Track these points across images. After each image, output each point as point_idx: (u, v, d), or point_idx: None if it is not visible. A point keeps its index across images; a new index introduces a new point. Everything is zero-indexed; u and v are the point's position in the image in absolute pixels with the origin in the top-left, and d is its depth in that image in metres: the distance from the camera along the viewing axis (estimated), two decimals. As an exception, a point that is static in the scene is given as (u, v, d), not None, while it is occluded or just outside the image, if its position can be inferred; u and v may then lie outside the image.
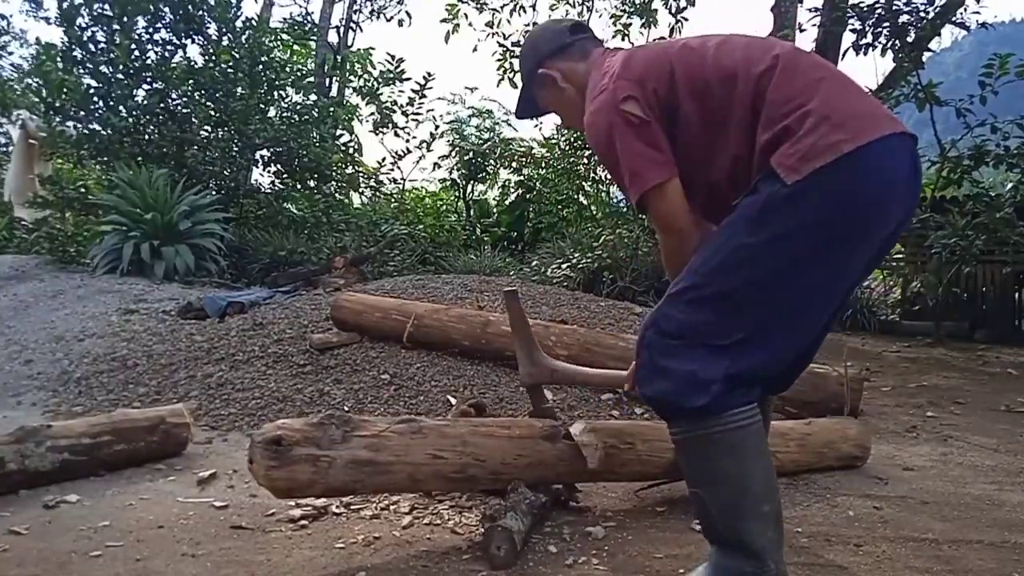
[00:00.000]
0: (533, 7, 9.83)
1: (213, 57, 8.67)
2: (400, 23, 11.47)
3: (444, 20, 9.54)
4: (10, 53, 15.46)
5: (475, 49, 9.94)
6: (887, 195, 1.41)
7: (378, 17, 13.00)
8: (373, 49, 12.58)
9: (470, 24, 9.78)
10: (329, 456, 1.72)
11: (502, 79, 9.37)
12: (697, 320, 1.44)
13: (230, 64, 8.66)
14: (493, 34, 9.67)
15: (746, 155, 1.48)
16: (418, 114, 11.01)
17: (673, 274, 1.61)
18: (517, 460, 1.98)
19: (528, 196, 10.69)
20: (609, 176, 1.75)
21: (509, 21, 10.03)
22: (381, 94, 10.99)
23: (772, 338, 1.44)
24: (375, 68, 11.95)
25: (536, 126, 10.93)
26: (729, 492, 1.44)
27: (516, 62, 9.46)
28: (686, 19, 9.05)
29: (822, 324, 1.55)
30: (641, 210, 1.61)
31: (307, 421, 1.75)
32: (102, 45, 8.17)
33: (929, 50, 7.06)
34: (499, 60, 9.40)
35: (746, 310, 1.42)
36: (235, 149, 8.79)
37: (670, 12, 9.07)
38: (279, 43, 10.52)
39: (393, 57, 10.92)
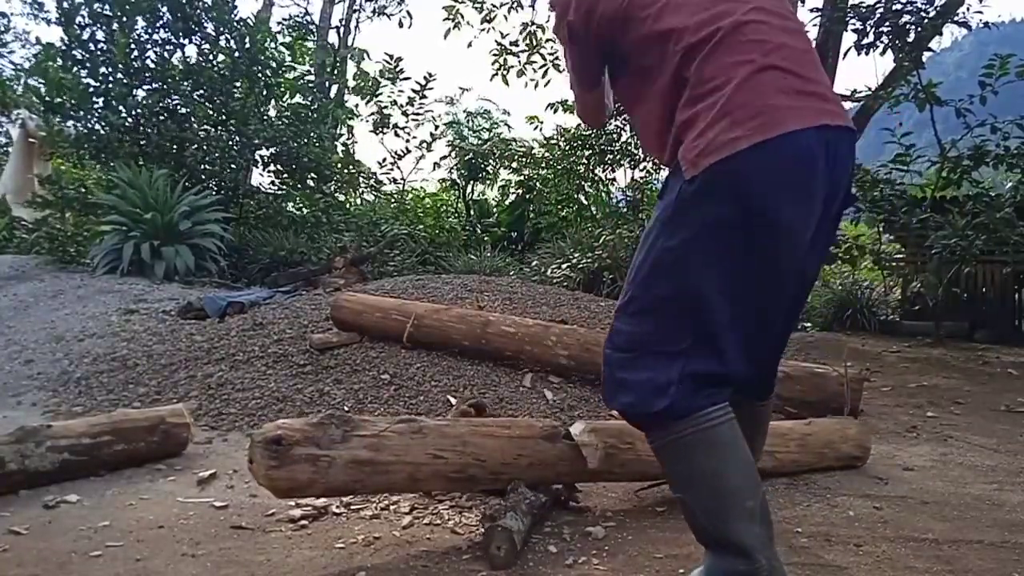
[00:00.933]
0: (532, 5, 9.84)
1: (211, 56, 8.67)
2: (401, 24, 11.47)
3: (445, 19, 9.55)
4: (10, 52, 15.48)
5: (470, 45, 9.92)
6: (788, 189, 1.38)
7: (380, 16, 13.01)
8: (367, 51, 12.59)
9: (468, 23, 9.76)
10: (329, 456, 1.72)
11: (495, 74, 9.37)
12: (643, 331, 1.46)
13: (228, 64, 8.66)
14: (489, 30, 9.67)
15: (666, 123, 1.49)
16: (418, 114, 11.02)
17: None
18: (517, 460, 1.98)
19: (528, 196, 10.69)
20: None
21: (506, 17, 10.03)
22: (380, 93, 10.99)
23: (721, 337, 1.44)
24: (375, 65, 11.95)
25: (536, 127, 10.90)
26: (710, 492, 1.44)
27: (511, 59, 9.53)
28: None
29: (775, 318, 1.53)
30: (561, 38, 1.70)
31: (307, 421, 1.75)
32: (101, 45, 8.17)
33: (930, 50, 7.05)
34: (495, 56, 9.39)
35: (685, 313, 1.43)
36: (235, 149, 8.79)
37: None
38: (277, 43, 10.49)
39: (391, 56, 10.93)
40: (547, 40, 9.22)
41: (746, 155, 1.34)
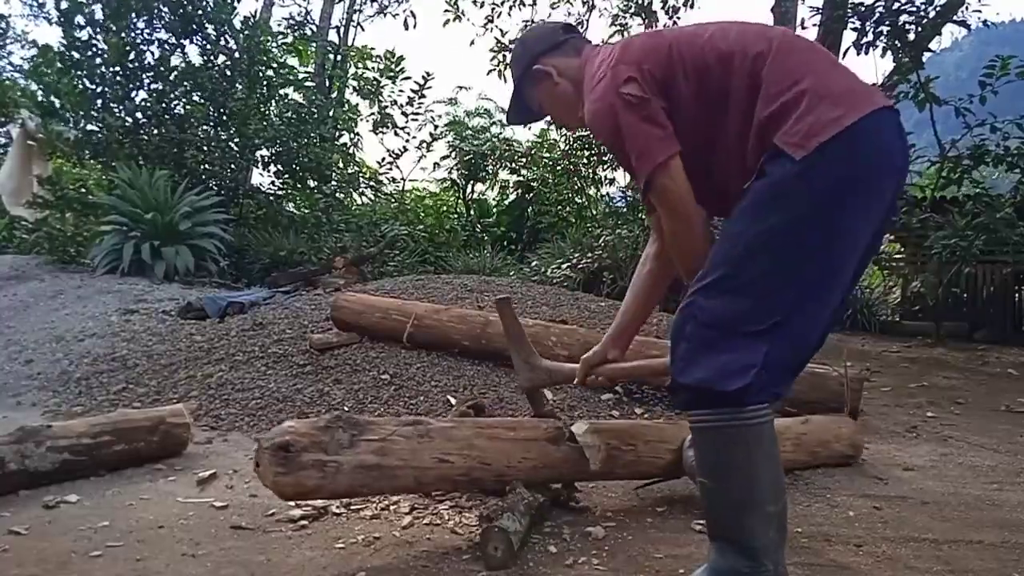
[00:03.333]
0: (533, 3, 9.84)
1: (211, 57, 8.67)
2: (405, 24, 11.45)
3: (446, 11, 9.56)
4: (9, 54, 15.48)
5: (472, 43, 9.93)
6: (886, 163, 1.47)
7: (382, 15, 13.00)
8: (373, 49, 12.58)
9: (469, 20, 9.79)
10: (336, 461, 1.72)
11: (493, 70, 9.38)
12: (732, 309, 1.45)
13: (228, 64, 8.66)
14: (491, 29, 9.68)
15: (745, 133, 1.51)
16: (418, 114, 11.02)
17: (686, 266, 1.63)
18: (521, 463, 1.99)
19: (528, 196, 10.69)
20: (619, 164, 1.79)
21: (509, 14, 10.03)
22: (382, 91, 10.99)
23: (807, 317, 1.46)
24: (376, 63, 11.93)
25: (531, 130, 10.93)
26: (738, 487, 1.45)
27: (510, 61, 9.44)
28: (678, 19, 9.07)
29: (841, 299, 1.57)
30: (648, 190, 1.60)
31: (314, 424, 1.74)
32: (100, 46, 8.16)
33: (929, 50, 7.05)
34: (494, 53, 9.40)
35: (778, 293, 1.44)
36: (235, 149, 8.79)
37: (667, 14, 9.09)
38: (278, 44, 10.50)
39: (392, 54, 10.92)
40: None
41: (853, 130, 1.40)
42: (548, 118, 2.01)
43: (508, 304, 2.10)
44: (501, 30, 9.69)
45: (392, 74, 10.96)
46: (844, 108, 1.42)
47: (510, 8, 9.58)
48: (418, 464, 1.84)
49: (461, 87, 22.25)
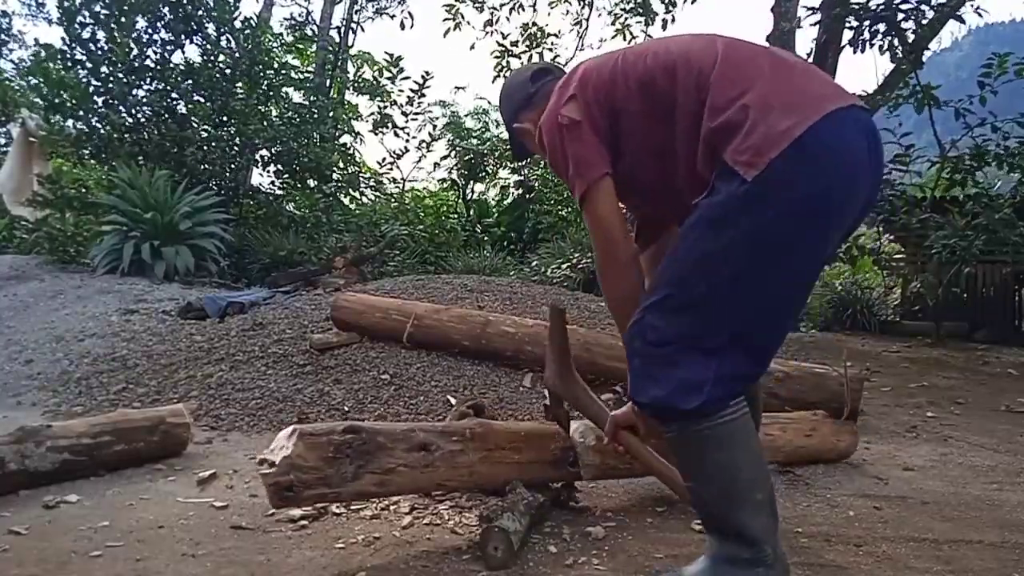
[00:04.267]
0: (533, 6, 9.83)
1: (212, 56, 8.67)
2: (402, 25, 11.46)
3: (446, 19, 9.54)
4: (10, 51, 15.48)
5: (472, 47, 9.92)
6: (847, 169, 1.40)
7: (381, 16, 12.99)
8: (370, 55, 12.59)
9: (469, 23, 9.77)
10: (337, 491, 1.74)
11: (498, 76, 9.36)
12: (680, 327, 1.45)
13: (229, 64, 8.66)
14: (492, 32, 9.67)
15: (695, 142, 1.49)
16: (418, 114, 11.03)
17: (609, 292, 1.66)
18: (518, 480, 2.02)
19: (528, 196, 10.69)
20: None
21: (508, 19, 10.02)
22: (383, 90, 10.99)
23: (758, 332, 1.46)
24: (374, 66, 11.94)
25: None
26: (722, 483, 1.48)
27: (514, 61, 9.51)
28: (674, 18, 9.08)
29: (801, 305, 1.61)
30: (582, 208, 1.63)
31: (322, 454, 1.69)
32: (102, 44, 8.17)
33: (928, 48, 7.05)
34: (497, 58, 9.38)
35: (727, 311, 1.43)
36: (235, 149, 8.79)
37: (666, 9, 9.08)
38: (279, 44, 10.51)
39: (391, 55, 10.93)
40: (549, 36, 9.22)
41: (804, 140, 1.35)
42: None
43: (562, 315, 2.10)
44: (502, 33, 9.69)
45: (391, 75, 10.96)
46: (794, 117, 1.36)
47: (510, 11, 9.58)
48: (417, 488, 1.90)
49: (459, 87, 22.25)
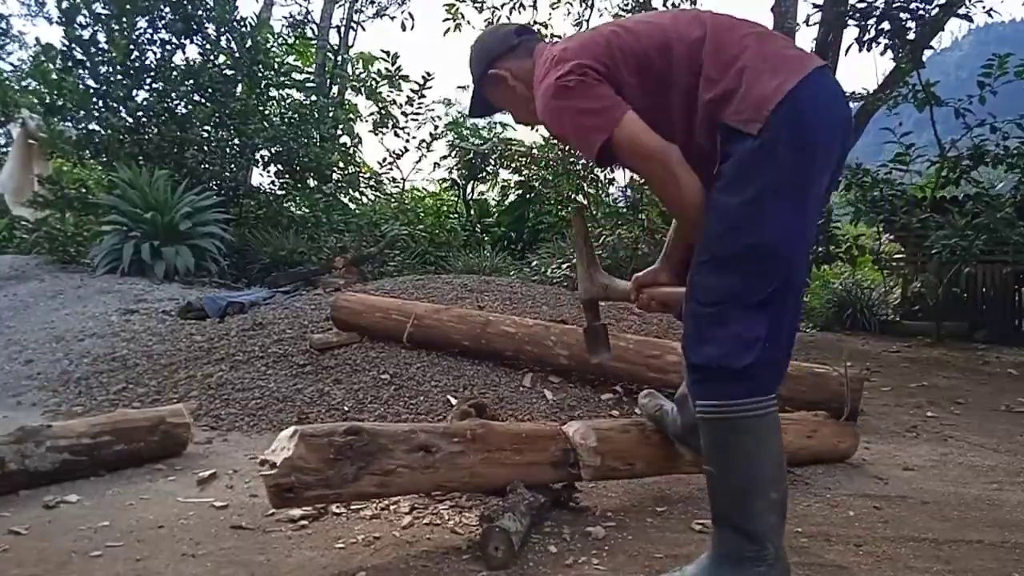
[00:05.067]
0: (533, 5, 9.82)
1: (212, 57, 8.67)
2: (403, 26, 11.44)
3: (446, 20, 9.53)
4: (9, 54, 15.48)
5: None
6: (830, 119, 1.54)
7: (381, 18, 12.99)
8: (370, 54, 12.58)
9: (469, 23, 9.75)
10: (338, 492, 1.74)
11: None
12: (727, 284, 1.50)
13: (228, 64, 8.66)
14: None
15: (691, 113, 1.56)
16: (418, 113, 11.01)
17: (684, 210, 1.60)
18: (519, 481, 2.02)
19: (528, 196, 10.69)
20: (582, 154, 1.82)
21: (508, 18, 10.01)
22: (381, 92, 10.99)
23: (795, 282, 1.55)
24: (373, 66, 11.94)
25: (534, 129, 10.90)
26: (742, 475, 1.51)
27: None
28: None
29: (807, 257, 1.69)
30: (611, 160, 1.61)
31: (323, 455, 1.69)
32: (102, 45, 8.17)
33: (930, 47, 7.05)
34: None
35: (767, 263, 1.50)
36: (235, 149, 8.79)
37: (668, 10, 9.07)
38: (281, 43, 10.51)
39: (389, 54, 10.91)
40: (551, 36, 9.18)
41: (795, 93, 1.46)
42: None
43: (582, 214, 2.14)
44: None
45: (389, 74, 10.95)
46: (783, 75, 1.48)
47: (510, 11, 9.57)
48: (417, 489, 1.92)
49: (463, 87, 22.20)
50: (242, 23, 8.82)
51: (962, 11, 6.83)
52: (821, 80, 1.52)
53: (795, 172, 1.48)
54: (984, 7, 6.92)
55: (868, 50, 6.64)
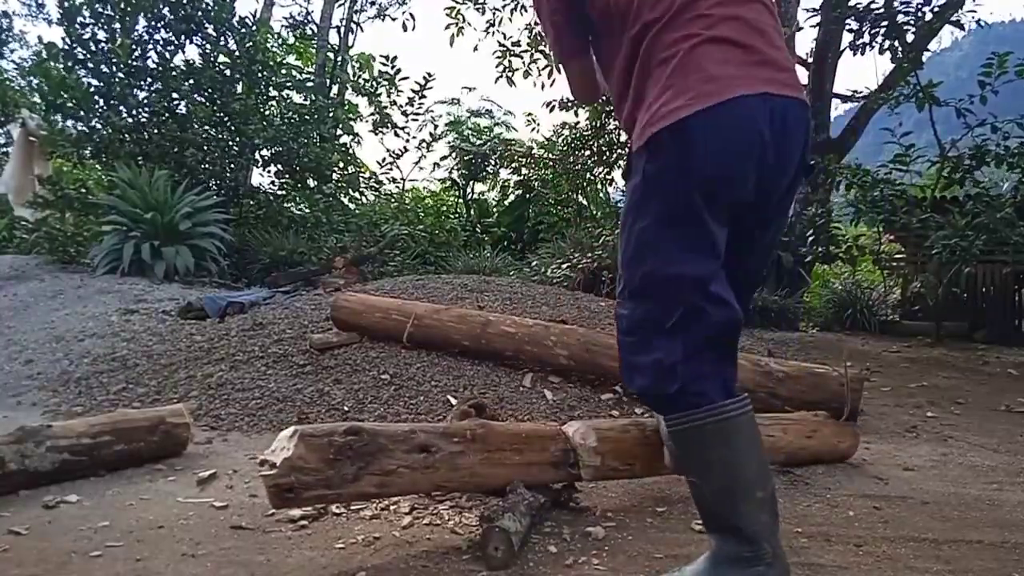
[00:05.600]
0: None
1: (212, 57, 8.67)
2: (404, 27, 11.44)
3: (449, 26, 9.52)
4: (12, 51, 15.48)
5: (476, 48, 9.91)
6: (730, 150, 1.42)
7: (382, 19, 12.99)
8: (374, 58, 12.58)
9: (470, 25, 9.74)
10: (337, 492, 1.75)
11: (500, 76, 9.34)
12: (640, 312, 1.52)
13: (228, 64, 8.65)
14: (494, 33, 9.65)
15: (628, 93, 1.55)
16: (418, 114, 11.02)
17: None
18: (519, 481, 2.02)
19: (528, 196, 10.69)
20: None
21: (510, 19, 10.01)
22: (380, 94, 10.99)
23: (706, 302, 1.48)
24: (373, 68, 11.95)
25: (533, 128, 10.91)
26: (723, 480, 1.49)
27: (515, 61, 9.56)
28: None
29: (747, 267, 1.61)
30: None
31: (322, 456, 1.69)
32: (103, 45, 8.17)
33: (928, 50, 7.06)
34: (499, 58, 9.37)
35: (670, 288, 1.48)
36: (235, 149, 8.79)
37: None
38: (280, 43, 10.51)
39: (387, 57, 10.92)
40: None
41: (687, 122, 1.39)
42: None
43: None
44: (503, 34, 9.68)
45: (389, 77, 10.95)
46: (686, 98, 1.39)
47: (511, 12, 9.57)
48: (417, 490, 1.93)
49: (466, 87, 22.28)
50: (242, 23, 8.83)
51: (955, 17, 6.83)
52: (740, 106, 1.40)
53: (676, 202, 1.44)
54: (976, 17, 6.93)
55: (863, 54, 6.65)
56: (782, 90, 1.45)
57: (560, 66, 1.78)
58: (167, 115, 8.40)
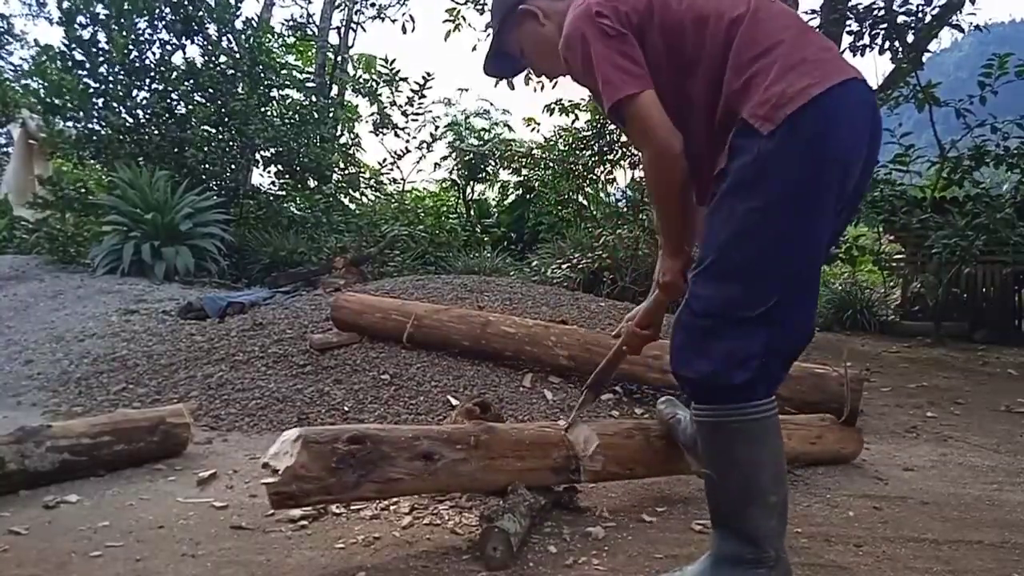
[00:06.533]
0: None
1: (213, 57, 8.68)
2: (404, 29, 11.44)
3: (446, 21, 9.53)
4: (10, 54, 15.48)
5: (475, 48, 9.91)
6: (855, 133, 1.44)
7: (382, 20, 12.99)
8: (375, 57, 12.58)
9: (470, 25, 9.76)
10: (337, 497, 1.76)
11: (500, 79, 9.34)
12: (725, 295, 1.43)
13: (229, 64, 8.66)
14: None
15: (714, 102, 1.49)
16: (418, 114, 11.01)
17: (662, 205, 1.58)
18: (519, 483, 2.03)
19: (528, 196, 10.69)
20: (592, 95, 1.73)
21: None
22: (381, 95, 10.99)
23: (799, 298, 1.46)
24: (374, 70, 11.96)
25: (533, 128, 10.88)
26: (741, 479, 1.48)
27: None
28: None
29: (820, 273, 1.59)
30: (616, 120, 1.57)
31: (326, 464, 1.68)
32: (102, 45, 8.17)
33: (928, 51, 7.06)
34: None
35: (770, 276, 1.42)
36: (235, 149, 8.79)
37: None
38: (280, 43, 10.51)
39: (387, 60, 10.93)
40: None
41: (820, 101, 1.38)
42: (526, 73, 1.97)
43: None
44: None
45: (388, 78, 10.95)
46: (812, 78, 1.39)
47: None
48: (416, 492, 1.94)
49: (462, 89, 22.24)
50: (246, 23, 8.83)
51: (954, 20, 6.84)
52: (854, 90, 1.43)
53: (808, 184, 1.39)
54: (974, 22, 6.96)
55: (863, 55, 6.65)
56: (862, 76, 1.48)
57: (658, 159, 1.52)
58: (167, 115, 8.40)
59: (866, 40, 6.65)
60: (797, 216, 1.40)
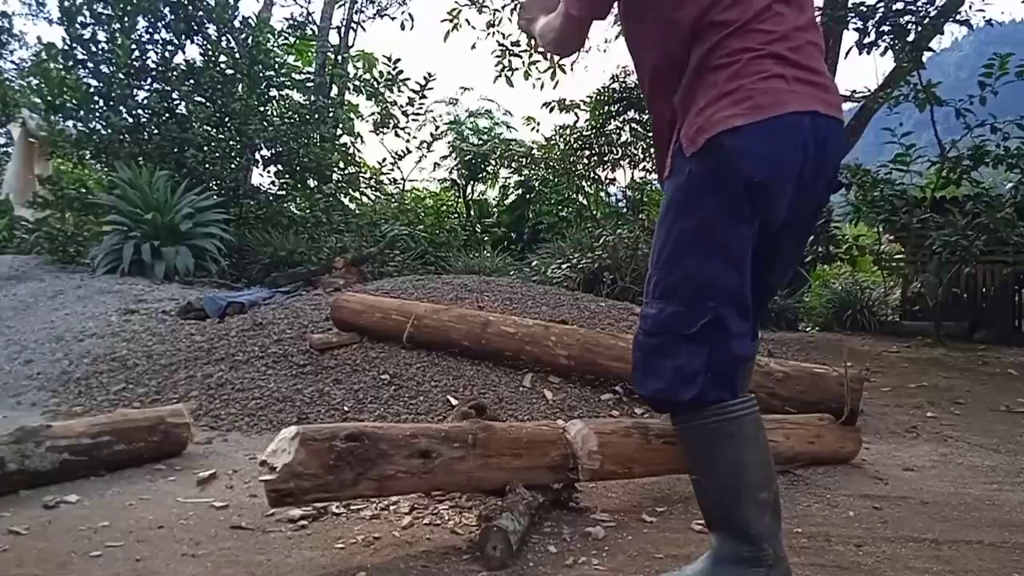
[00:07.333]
0: (535, 5, 9.80)
1: (212, 57, 8.68)
2: (403, 26, 11.43)
3: (445, 20, 9.53)
4: (11, 52, 15.47)
5: (473, 47, 9.91)
6: (774, 165, 1.43)
7: (381, 18, 12.99)
8: (375, 56, 12.58)
9: (470, 24, 9.75)
10: (335, 495, 1.76)
11: (499, 76, 9.34)
12: (668, 314, 1.49)
13: (229, 64, 8.66)
14: (493, 33, 9.65)
15: (676, 74, 1.50)
16: (419, 114, 11.01)
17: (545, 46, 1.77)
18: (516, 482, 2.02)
19: (528, 196, 10.70)
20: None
21: (510, 20, 9.99)
22: (383, 94, 10.99)
23: (731, 312, 1.47)
24: (375, 68, 11.96)
25: (533, 128, 10.89)
26: (726, 479, 1.49)
27: (515, 60, 9.58)
28: None
29: (774, 275, 1.62)
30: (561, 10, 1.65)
31: (323, 461, 1.69)
32: (103, 45, 8.17)
33: (930, 50, 7.05)
34: (498, 58, 9.37)
35: (704, 292, 1.46)
36: (235, 149, 8.79)
37: None
38: (279, 42, 10.50)
39: (390, 59, 10.93)
40: None
41: (740, 131, 1.40)
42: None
43: None
44: (503, 34, 9.68)
45: (390, 78, 10.95)
46: (746, 107, 1.40)
47: (511, 12, 9.56)
48: (414, 491, 1.95)
49: (464, 88, 22.27)
50: (245, 23, 8.83)
51: (960, 16, 6.82)
52: (791, 126, 1.42)
53: (724, 206, 1.43)
54: (984, 16, 6.93)
55: (868, 53, 6.64)
56: (828, 110, 1.47)
57: (564, 14, 1.65)
58: (167, 115, 8.40)
59: (872, 37, 6.63)
60: (723, 234, 1.45)
